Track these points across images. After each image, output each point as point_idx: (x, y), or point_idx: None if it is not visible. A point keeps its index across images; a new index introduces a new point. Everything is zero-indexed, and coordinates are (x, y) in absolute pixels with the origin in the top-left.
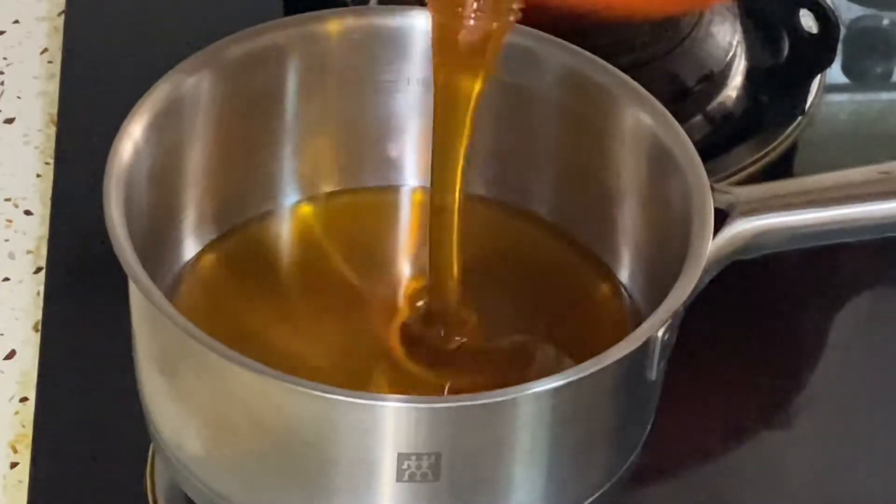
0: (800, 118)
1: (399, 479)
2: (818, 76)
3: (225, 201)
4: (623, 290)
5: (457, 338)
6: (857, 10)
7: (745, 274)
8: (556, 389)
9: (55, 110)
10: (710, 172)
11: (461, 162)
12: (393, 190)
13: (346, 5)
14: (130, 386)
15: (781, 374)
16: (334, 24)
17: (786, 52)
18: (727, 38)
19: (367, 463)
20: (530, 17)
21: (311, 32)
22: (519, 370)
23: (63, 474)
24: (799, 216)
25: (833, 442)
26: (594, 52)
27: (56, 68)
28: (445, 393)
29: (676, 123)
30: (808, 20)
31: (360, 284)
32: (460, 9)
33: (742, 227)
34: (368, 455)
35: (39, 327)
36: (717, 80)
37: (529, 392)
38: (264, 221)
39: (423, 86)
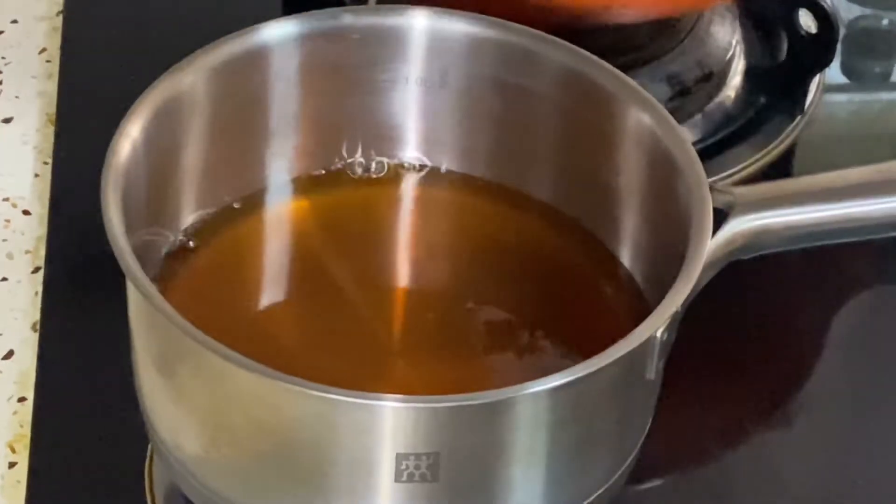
0: (799, 118)
1: (398, 479)
2: (817, 76)
3: (222, 200)
4: (625, 287)
5: (455, 332)
6: (857, 10)
7: (745, 274)
8: (555, 389)
9: (53, 110)
10: (709, 172)
11: None
12: (391, 186)
13: (344, 5)
14: (128, 386)
15: (781, 374)
16: (333, 24)
17: (785, 51)
18: (726, 38)
19: (366, 463)
20: (530, 17)
21: (309, 32)
22: (521, 364)
23: (61, 474)
24: (799, 216)
25: (833, 442)
26: (594, 52)
27: (54, 68)
28: (443, 390)
29: (676, 123)
30: (807, 20)
31: (359, 279)
32: None
33: (741, 227)
34: (367, 455)
35: (38, 327)
36: (716, 79)
37: (528, 392)
38: (262, 219)
39: (421, 85)
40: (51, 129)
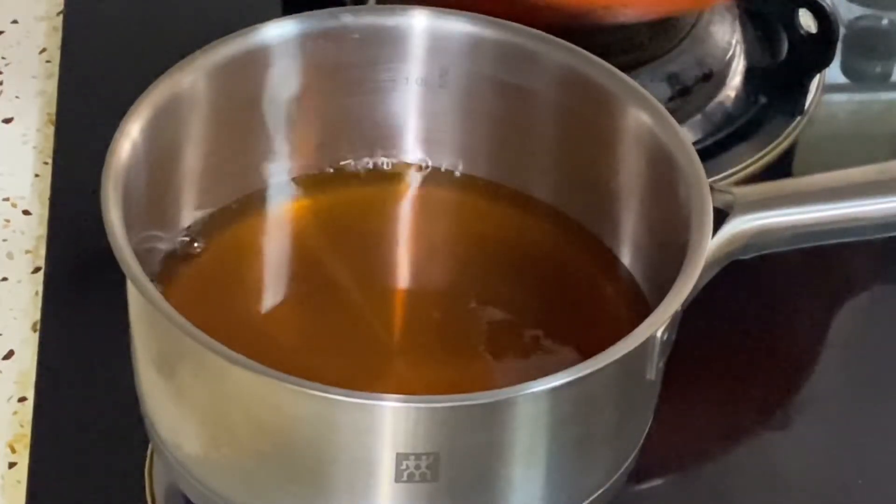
0: (799, 118)
1: (398, 479)
2: (817, 76)
3: (222, 200)
4: (625, 287)
5: (455, 332)
6: (857, 10)
7: (744, 274)
8: (555, 389)
9: (53, 110)
10: (709, 172)
11: None
12: (391, 186)
13: (344, 5)
14: (129, 386)
15: (781, 374)
16: (333, 24)
17: (785, 51)
18: (726, 38)
19: (366, 463)
20: (530, 17)
21: (309, 32)
22: (521, 364)
23: (61, 474)
24: (798, 216)
25: (833, 442)
26: (594, 52)
27: (54, 68)
28: (443, 390)
29: (676, 123)
30: (807, 20)
31: (359, 279)
32: None
33: (741, 227)
34: (367, 455)
35: (38, 327)
36: (716, 79)
37: (528, 392)
38: (262, 219)
39: (421, 85)
40: (51, 129)
